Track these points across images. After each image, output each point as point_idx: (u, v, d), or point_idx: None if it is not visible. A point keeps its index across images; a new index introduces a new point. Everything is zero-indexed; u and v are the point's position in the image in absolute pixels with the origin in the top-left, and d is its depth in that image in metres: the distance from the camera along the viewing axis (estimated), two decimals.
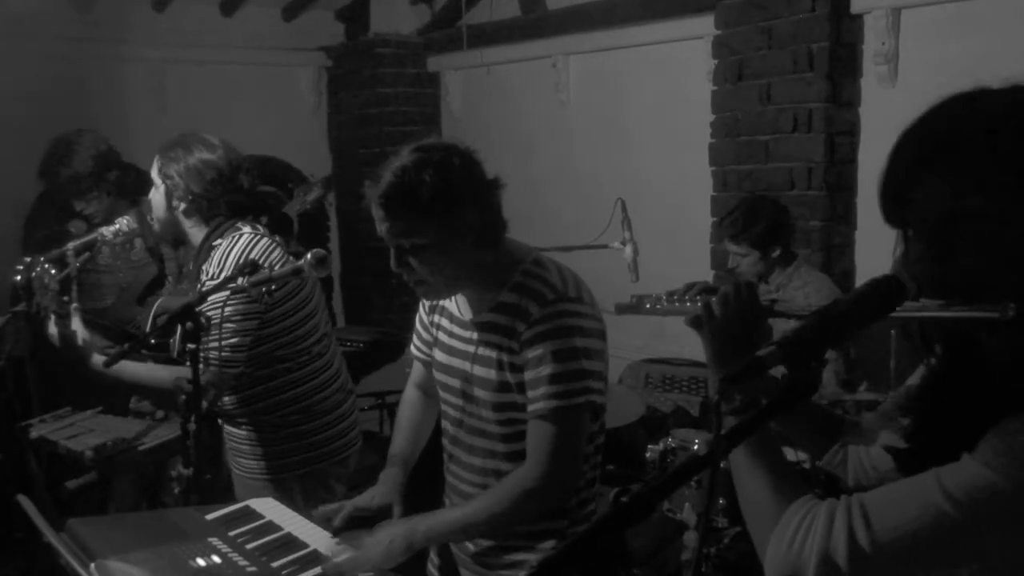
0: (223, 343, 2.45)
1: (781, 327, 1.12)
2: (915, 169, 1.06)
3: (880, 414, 1.41)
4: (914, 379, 1.23)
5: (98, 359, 2.54)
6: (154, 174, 2.63)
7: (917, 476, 1.01)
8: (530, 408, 1.80)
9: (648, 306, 1.47)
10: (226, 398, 2.61)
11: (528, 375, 1.80)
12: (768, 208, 3.47)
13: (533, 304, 1.80)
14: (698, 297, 1.36)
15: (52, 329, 2.63)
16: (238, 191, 2.62)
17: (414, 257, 1.80)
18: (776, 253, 3.42)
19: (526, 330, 1.79)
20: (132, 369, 2.54)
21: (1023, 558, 0.99)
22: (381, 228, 1.80)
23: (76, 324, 2.66)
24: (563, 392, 1.77)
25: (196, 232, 2.61)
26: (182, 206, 2.58)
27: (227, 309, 2.45)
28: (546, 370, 1.77)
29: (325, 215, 6.05)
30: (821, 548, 1.01)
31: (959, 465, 0.98)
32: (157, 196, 2.64)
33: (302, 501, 2.55)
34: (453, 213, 1.76)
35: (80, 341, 2.62)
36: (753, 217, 3.42)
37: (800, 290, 3.38)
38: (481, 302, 1.89)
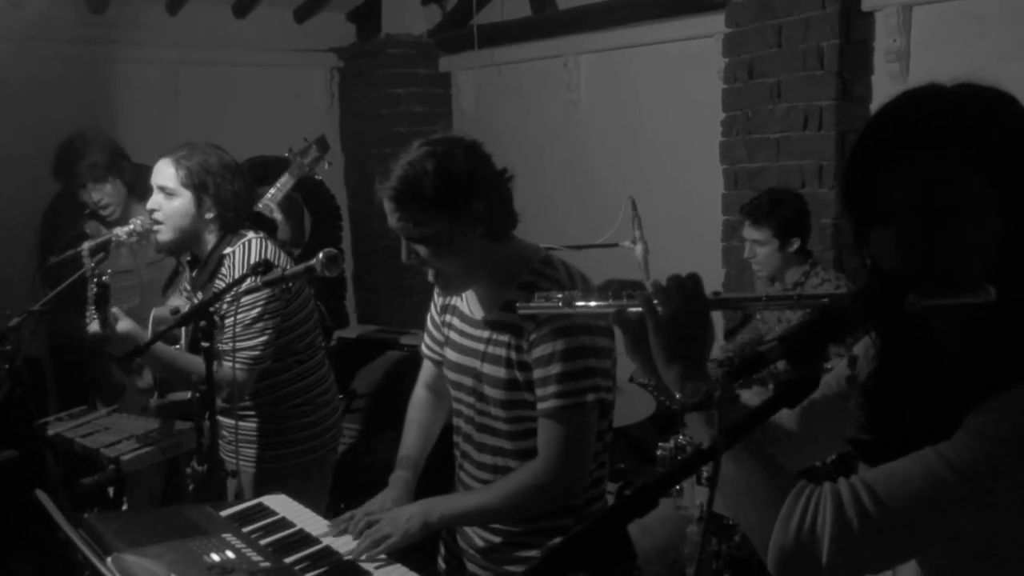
0: (255, 342, 2.50)
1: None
2: (879, 162, 1.06)
3: None
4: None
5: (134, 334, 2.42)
6: (173, 182, 2.53)
7: (916, 453, 1.03)
8: (539, 407, 1.83)
9: (557, 304, 1.32)
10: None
11: (537, 373, 1.82)
12: (792, 199, 3.49)
13: None
14: (625, 293, 1.26)
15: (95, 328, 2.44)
16: (252, 198, 2.65)
17: (424, 247, 1.83)
18: (794, 247, 3.39)
19: (535, 329, 1.81)
20: (170, 354, 2.50)
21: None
22: (391, 220, 1.84)
23: (124, 323, 2.46)
24: (571, 391, 1.79)
25: (209, 241, 2.60)
26: (211, 215, 2.55)
27: (254, 311, 2.49)
28: (555, 369, 1.79)
29: (338, 215, 6.08)
30: (835, 525, 1.02)
31: (955, 441, 1.01)
32: (178, 204, 2.53)
33: (301, 487, 2.58)
34: (458, 204, 1.79)
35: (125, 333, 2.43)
36: (778, 204, 3.42)
37: (819, 288, 3.34)
38: (491, 300, 1.92)
